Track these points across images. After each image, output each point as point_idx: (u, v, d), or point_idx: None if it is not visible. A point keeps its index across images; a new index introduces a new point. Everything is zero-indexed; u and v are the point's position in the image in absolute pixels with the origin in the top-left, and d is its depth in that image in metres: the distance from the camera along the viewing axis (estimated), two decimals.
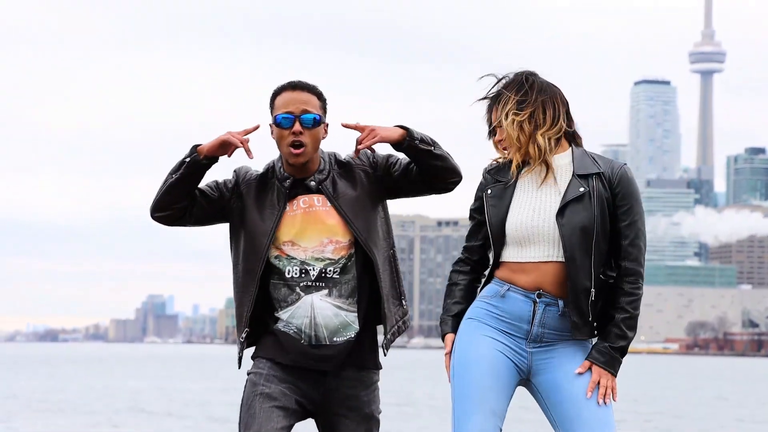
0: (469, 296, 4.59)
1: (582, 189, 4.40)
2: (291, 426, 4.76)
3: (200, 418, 31.49)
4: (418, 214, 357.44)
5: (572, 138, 4.54)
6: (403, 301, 4.89)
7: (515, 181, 4.50)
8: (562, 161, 4.49)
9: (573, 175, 4.44)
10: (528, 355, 4.45)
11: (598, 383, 4.41)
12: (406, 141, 4.64)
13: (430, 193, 4.81)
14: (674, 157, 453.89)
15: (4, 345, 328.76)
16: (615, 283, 4.44)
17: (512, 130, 4.45)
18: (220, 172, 4.82)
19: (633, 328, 4.42)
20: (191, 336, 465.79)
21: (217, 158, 4.70)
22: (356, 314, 4.75)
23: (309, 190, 4.76)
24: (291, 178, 4.76)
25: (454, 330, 4.53)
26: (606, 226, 4.41)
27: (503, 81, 4.55)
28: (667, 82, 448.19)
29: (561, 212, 4.39)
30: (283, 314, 4.75)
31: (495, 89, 4.56)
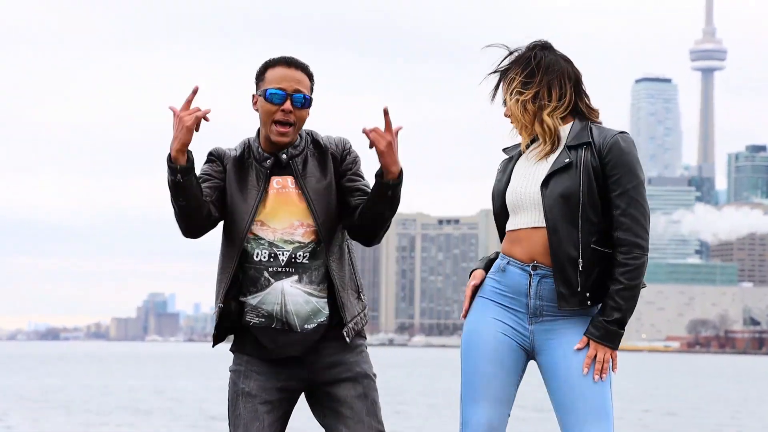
0: None
1: (567, 159, 4.40)
2: (283, 415, 4.72)
3: (200, 417, 31.49)
4: (419, 212, 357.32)
5: (578, 112, 4.54)
6: (362, 295, 4.77)
7: (519, 155, 4.57)
8: (561, 134, 4.50)
9: (563, 146, 4.47)
10: (530, 333, 4.47)
11: (595, 358, 4.41)
12: (393, 180, 4.52)
13: (350, 234, 4.71)
14: (675, 154, 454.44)
15: (5, 344, 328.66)
16: (611, 254, 4.44)
17: (516, 110, 4.48)
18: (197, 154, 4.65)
19: (630, 299, 4.36)
20: (192, 334, 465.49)
21: (192, 157, 4.52)
22: (326, 300, 4.66)
23: (280, 165, 4.67)
24: (271, 158, 4.66)
25: (486, 268, 4.58)
26: (594, 195, 4.38)
27: (514, 54, 4.55)
28: (668, 80, 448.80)
29: (546, 182, 4.41)
30: (252, 299, 4.66)
31: (506, 62, 4.55)
